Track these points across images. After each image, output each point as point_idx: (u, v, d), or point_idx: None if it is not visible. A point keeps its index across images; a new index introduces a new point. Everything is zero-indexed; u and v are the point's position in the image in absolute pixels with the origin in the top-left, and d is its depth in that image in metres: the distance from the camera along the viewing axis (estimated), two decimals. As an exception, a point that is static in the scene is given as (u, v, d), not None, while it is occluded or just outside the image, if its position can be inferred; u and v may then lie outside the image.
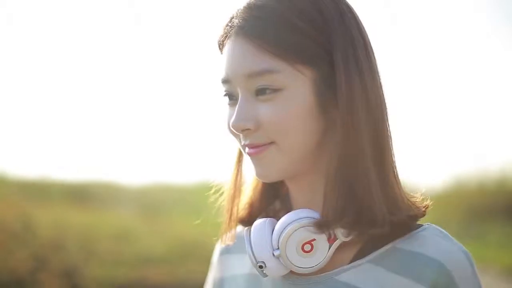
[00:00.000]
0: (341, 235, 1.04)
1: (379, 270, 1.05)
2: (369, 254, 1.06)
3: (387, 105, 1.08)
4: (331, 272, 1.07)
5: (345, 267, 1.07)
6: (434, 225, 1.09)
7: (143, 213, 10.05)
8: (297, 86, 1.03)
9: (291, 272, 1.09)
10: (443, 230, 1.08)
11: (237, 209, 1.16)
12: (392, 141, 1.08)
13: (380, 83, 1.08)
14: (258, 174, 1.08)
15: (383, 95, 1.08)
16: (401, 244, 1.06)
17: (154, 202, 11.49)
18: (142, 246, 7.32)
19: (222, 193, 1.18)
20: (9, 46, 13.72)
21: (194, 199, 8.35)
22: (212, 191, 1.20)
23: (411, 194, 1.10)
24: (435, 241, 1.05)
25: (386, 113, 1.08)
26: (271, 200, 1.18)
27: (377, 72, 1.08)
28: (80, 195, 11.04)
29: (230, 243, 1.18)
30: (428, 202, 1.09)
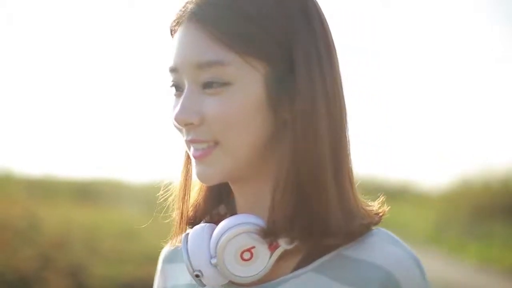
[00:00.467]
0: (283, 242, 0.97)
1: (322, 279, 0.98)
2: (313, 262, 0.99)
3: (346, 109, 1.01)
4: (274, 281, 1.00)
5: (286, 276, 0.99)
6: (383, 229, 1.01)
7: (148, 211, 10.06)
8: (248, 81, 0.96)
9: (231, 281, 1.01)
10: (393, 235, 1.00)
11: (187, 209, 1.08)
12: (350, 146, 1.01)
13: (341, 85, 1.01)
14: (198, 176, 1.00)
15: (343, 98, 1.01)
16: (346, 251, 0.98)
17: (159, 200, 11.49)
18: (147, 244, 7.32)
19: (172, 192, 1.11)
20: (9, 46, 13.75)
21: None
22: (162, 189, 1.13)
23: (366, 202, 1.03)
24: (383, 247, 0.98)
25: (346, 117, 1.01)
26: (216, 202, 1.09)
27: (339, 73, 1.01)
28: (85, 193, 11.07)
29: (180, 245, 1.09)
30: (385, 208, 1.02)
